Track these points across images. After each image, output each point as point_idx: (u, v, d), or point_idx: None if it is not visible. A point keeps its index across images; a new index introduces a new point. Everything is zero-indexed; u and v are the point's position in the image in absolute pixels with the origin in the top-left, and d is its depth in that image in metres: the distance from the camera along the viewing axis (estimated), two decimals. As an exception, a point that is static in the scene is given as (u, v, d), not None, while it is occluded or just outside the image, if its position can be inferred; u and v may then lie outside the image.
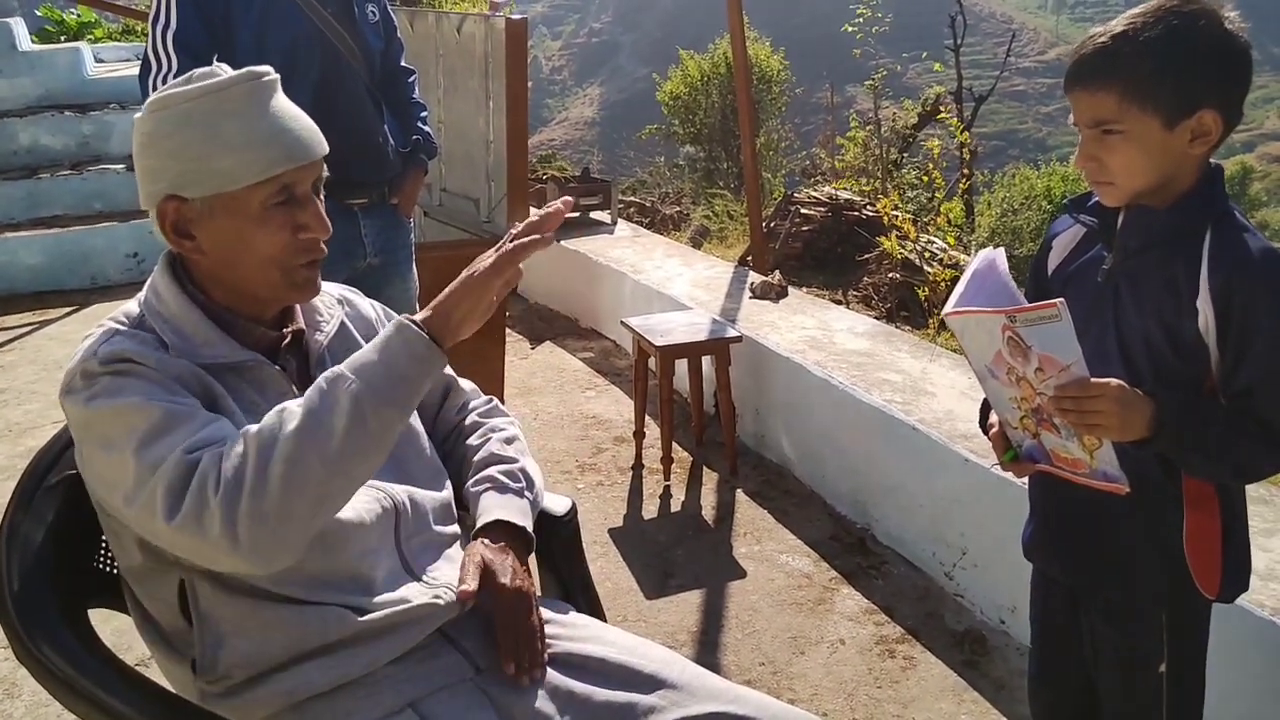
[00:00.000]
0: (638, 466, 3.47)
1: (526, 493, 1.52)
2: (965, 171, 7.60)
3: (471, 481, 1.52)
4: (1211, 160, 1.39)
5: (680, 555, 2.96)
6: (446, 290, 1.24)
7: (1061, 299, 1.24)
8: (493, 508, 1.47)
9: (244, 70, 1.30)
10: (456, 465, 1.58)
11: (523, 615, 1.39)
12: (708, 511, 3.23)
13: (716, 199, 8.74)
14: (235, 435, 1.17)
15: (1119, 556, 1.49)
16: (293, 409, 1.17)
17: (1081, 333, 1.39)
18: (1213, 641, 1.51)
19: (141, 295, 1.37)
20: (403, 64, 2.82)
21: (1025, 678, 1.83)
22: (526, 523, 1.48)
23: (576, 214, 5.40)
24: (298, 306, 1.44)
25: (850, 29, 9.88)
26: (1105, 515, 1.46)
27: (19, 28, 6.41)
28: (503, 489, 1.50)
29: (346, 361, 1.20)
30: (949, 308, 1.38)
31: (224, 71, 1.31)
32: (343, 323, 1.50)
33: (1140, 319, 1.38)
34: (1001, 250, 1.45)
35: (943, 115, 8.14)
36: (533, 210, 1.33)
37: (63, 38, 7.94)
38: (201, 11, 2.42)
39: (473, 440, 1.59)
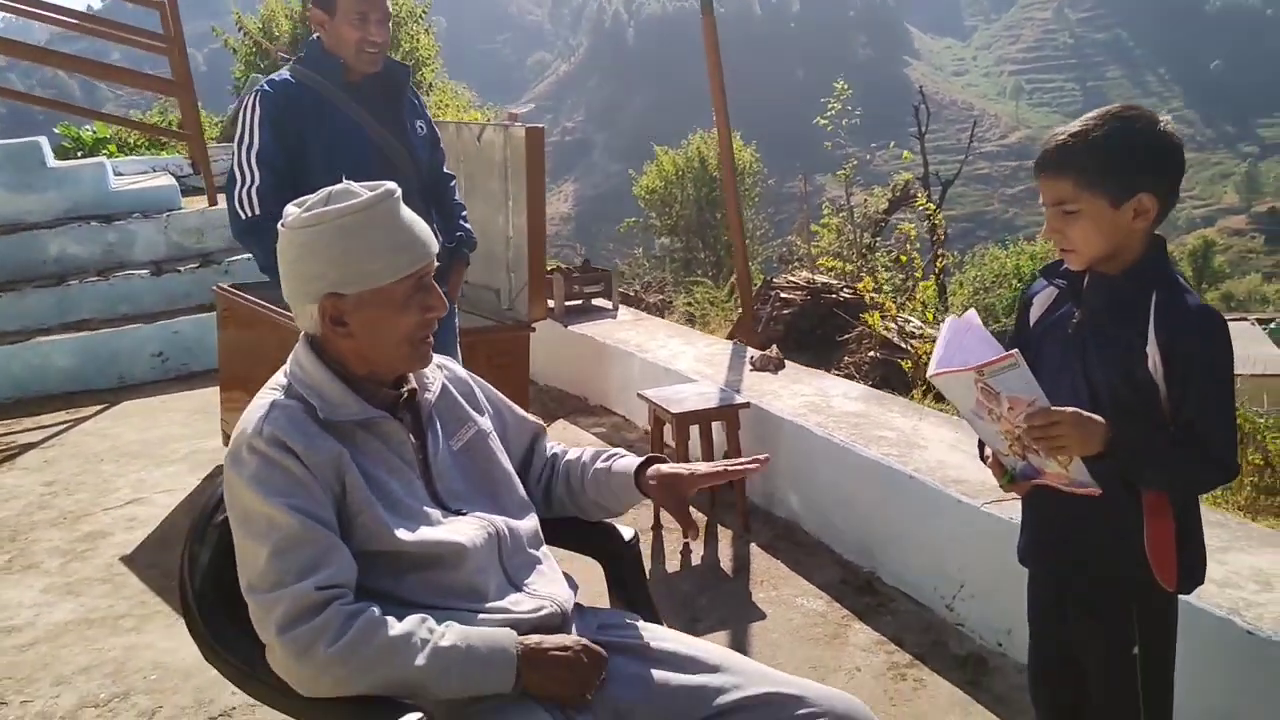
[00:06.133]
0: (657, 526, 3.77)
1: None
2: (939, 252, 8.06)
3: (600, 462, 1.91)
4: (1156, 232, 1.76)
5: (704, 602, 3.26)
6: (557, 651, 1.58)
7: (1017, 350, 1.60)
8: (633, 460, 1.88)
9: (382, 189, 1.63)
10: (565, 475, 1.93)
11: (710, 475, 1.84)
12: (726, 564, 3.53)
13: (697, 287, 9.13)
14: (351, 567, 1.53)
15: (1093, 557, 1.82)
16: (415, 638, 1.49)
17: (1058, 374, 1.76)
18: (1180, 637, 1.82)
19: (287, 368, 1.70)
20: (445, 170, 3.20)
21: (1024, 691, 2.13)
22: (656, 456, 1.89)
23: (580, 301, 5.78)
24: None
25: (822, 122, 10.48)
26: (1082, 525, 1.79)
27: (45, 146, 6.82)
28: (625, 455, 1.91)
29: (463, 635, 1.52)
30: (931, 370, 1.74)
31: (358, 189, 1.65)
32: (444, 384, 1.83)
33: (1103, 364, 1.73)
34: (973, 310, 1.81)
35: (920, 202, 8.61)
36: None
37: (79, 153, 8.36)
38: (280, 133, 2.80)
39: (572, 456, 1.96)
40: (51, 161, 6.82)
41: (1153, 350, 1.66)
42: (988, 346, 1.72)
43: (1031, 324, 1.90)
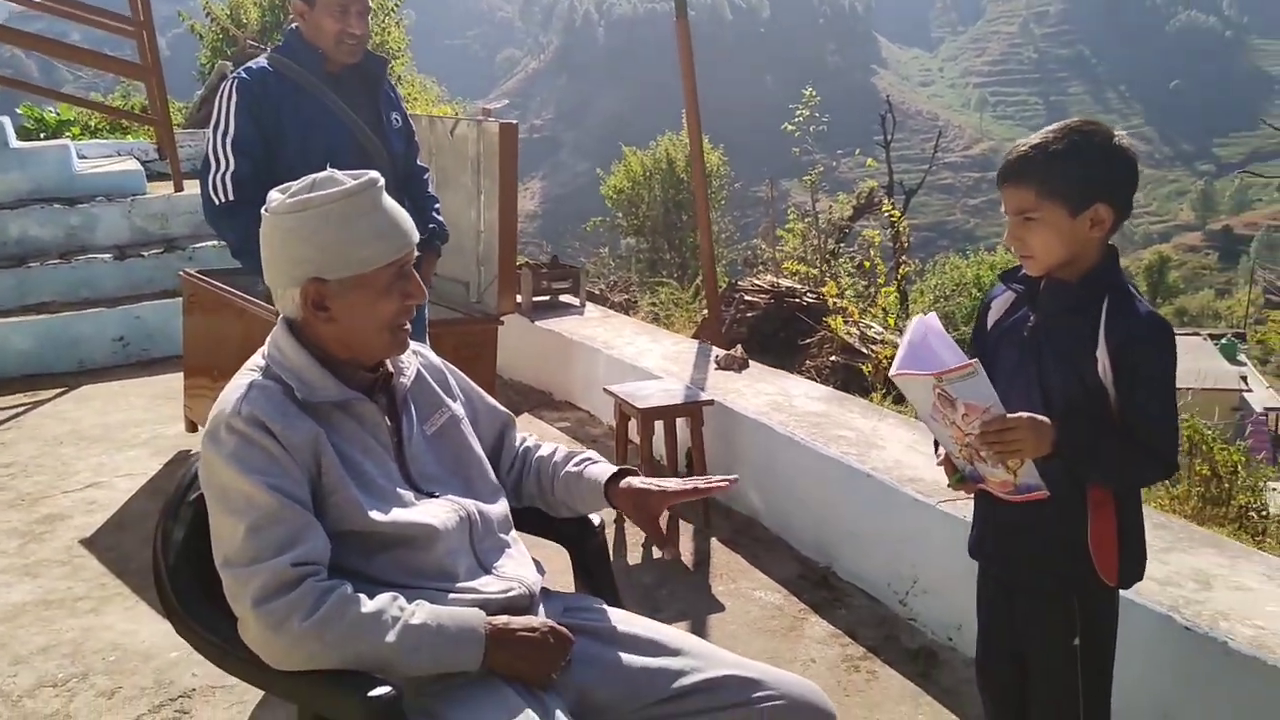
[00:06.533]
0: (620, 520, 3.82)
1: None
2: (902, 259, 8.19)
3: (571, 466, 1.94)
4: (1110, 242, 1.85)
5: (665, 594, 3.31)
6: (524, 631, 1.63)
7: (976, 360, 1.68)
8: (605, 470, 1.91)
9: (366, 178, 1.66)
10: (536, 471, 1.97)
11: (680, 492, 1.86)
12: (686, 557, 3.59)
13: (662, 288, 9.19)
14: (325, 545, 1.56)
15: (1039, 552, 1.90)
16: (386, 615, 1.53)
17: (1013, 375, 1.84)
18: (1122, 633, 1.91)
19: (265, 350, 1.73)
20: (419, 163, 3.24)
21: (972, 684, 2.21)
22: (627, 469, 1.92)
23: (548, 296, 5.82)
24: None
25: (790, 128, 10.59)
26: (1030, 520, 1.87)
27: (8, 126, 6.73)
28: (597, 462, 1.94)
29: (433, 614, 1.57)
30: (894, 369, 1.81)
31: (343, 177, 1.68)
32: (419, 370, 1.87)
33: (1056, 365, 1.81)
34: (934, 314, 1.89)
35: (886, 209, 8.74)
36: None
37: (42, 135, 8.26)
38: (256, 120, 2.82)
39: (544, 452, 2.00)
40: (14, 142, 6.73)
41: (1102, 354, 1.75)
42: (950, 351, 1.79)
43: (989, 327, 1.98)
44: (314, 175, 1.68)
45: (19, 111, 8.63)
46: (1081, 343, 1.77)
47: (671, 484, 1.86)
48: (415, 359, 1.88)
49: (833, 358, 6.28)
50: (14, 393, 5.50)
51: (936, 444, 1.99)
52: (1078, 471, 1.78)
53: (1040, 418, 1.71)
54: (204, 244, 6.53)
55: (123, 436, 4.75)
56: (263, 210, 1.66)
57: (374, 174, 1.69)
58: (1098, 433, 1.75)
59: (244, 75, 2.86)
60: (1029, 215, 1.78)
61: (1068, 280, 1.81)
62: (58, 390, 5.56)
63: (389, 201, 1.70)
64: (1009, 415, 1.70)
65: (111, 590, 3.29)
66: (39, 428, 4.94)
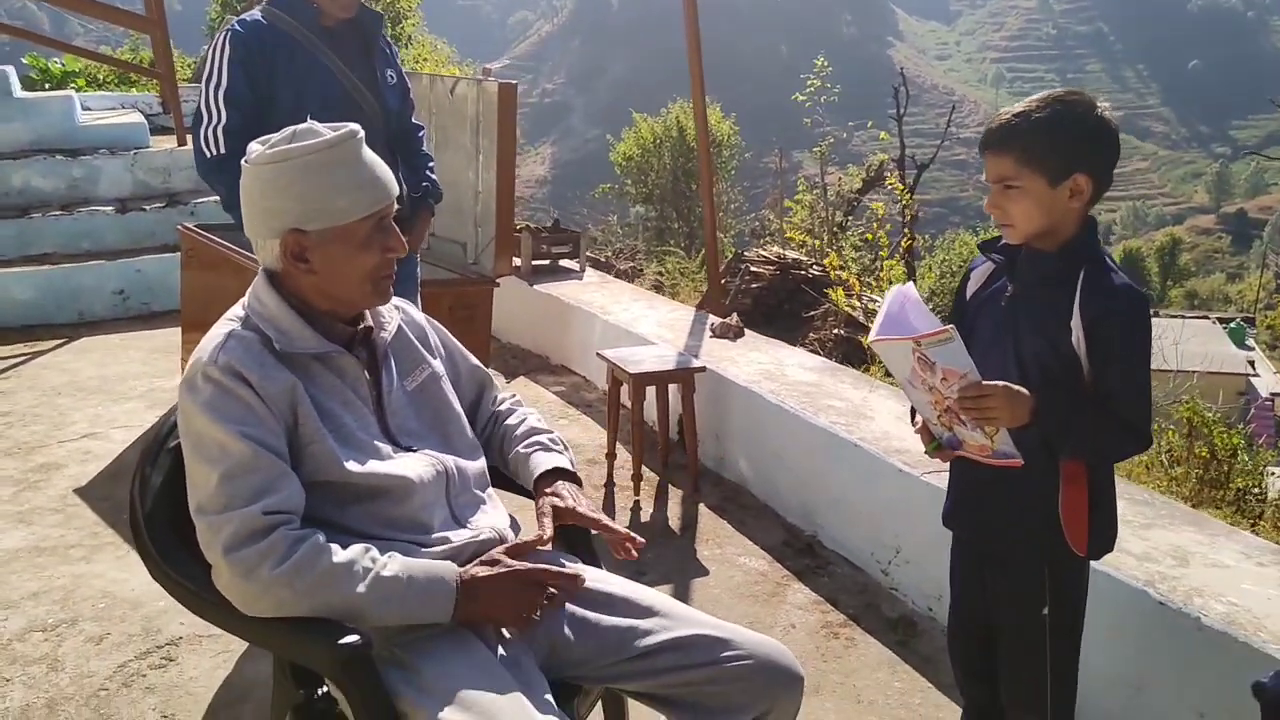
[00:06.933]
0: (609, 484, 3.85)
1: (566, 451, 1.95)
2: (907, 232, 8.15)
3: (522, 445, 1.93)
4: (1091, 214, 1.84)
5: (650, 557, 3.34)
6: (493, 579, 1.63)
7: (953, 325, 1.67)
8: (547, 460, 1.89)
9: (345, 129, 1.66)
10: (499, 440, 1.98)
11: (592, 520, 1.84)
12: (674, 522, 3.61)
13: (669, 257, 9.16)
14: (299, 495, 1.57)
15: (1013, 521, 1.91)
16: (357, 566, 1.54)
17: (989, 345, 1.84)
18: (1098, 606, 1.92)
19: (245, 301, 1.73)
20: (414, 120, 3.22)
21: (948, 654, 2.23)
22: (574, 468, 1.92)
23: (547, 261, 5.82)
24: None
25: (801, 98, 10.49)
26: (1002, 490, 1.88)
27: (12, 76, 6.71)
28: (548, 449, 1.92)
29: (405, 566, 1.57)
30: (872, 335, 1.81)
31: (322, 129, 1.68)
32: (400, 325, 1.87)
33: (1032, 336, 1.81)
34: (911, 284, 1.89)
35: (890, 182, 8.69)
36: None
37: (47, 85, 8.23)
38: (249, 73, 2.81)
39: (511, 421, 1.99)
40: (18, 92, 6.73)
41: (1077, 326, 1.75)
42: (926, 322, 1.79)
43: (968, 297, 1.98)
44: (294, 127, 1.68)
45: (25, 61, 8.59)
46: (1057, 314, 1.77)
47: (584, 507, 1.85)
48: (397, 314, 1.89)
49: (836, 331, 6.27)
50: (13, 343, 5.54)
51: (914, 411, 1.99)
52: (1054, 444, 1.79)
53: (1017, 388, 1.72)
54: (205, 199, 6.53)
55: (120, 388, 4.78)
56: (242, 162, 1.66)
57: (353, 126, 1.69)
58: (1075, 407, 1.75)
59: (237, 27, 2.85)
60: (1009, 183, 1.77)
61: (1046, 250, 1.81)
62: (57, 341, 5.60)
63: (369, 154, 1.70)
64: (985, 383, 1.70)
65: (104, 539, 3.32)
66: (37, 378, 4.98)
